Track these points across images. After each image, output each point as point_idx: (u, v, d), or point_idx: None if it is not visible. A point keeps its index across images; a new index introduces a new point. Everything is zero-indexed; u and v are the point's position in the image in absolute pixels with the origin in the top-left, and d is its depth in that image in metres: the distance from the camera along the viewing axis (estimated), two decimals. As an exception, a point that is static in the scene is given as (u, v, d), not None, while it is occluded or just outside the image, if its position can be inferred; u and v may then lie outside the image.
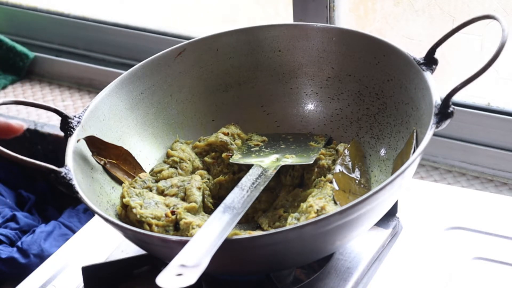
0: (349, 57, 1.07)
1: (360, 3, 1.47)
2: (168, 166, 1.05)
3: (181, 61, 1.11)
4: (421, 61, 0.98)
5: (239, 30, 1.12)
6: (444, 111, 0.90)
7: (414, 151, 0.94)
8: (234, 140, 1.08)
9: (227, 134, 1.08)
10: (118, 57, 1.79)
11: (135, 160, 1.04)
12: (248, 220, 1.02)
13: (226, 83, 1.13)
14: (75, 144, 0.97)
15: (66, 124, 0.98)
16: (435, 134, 0.90)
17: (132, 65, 1.09)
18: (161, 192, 1.00)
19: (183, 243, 0.80)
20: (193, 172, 1.05)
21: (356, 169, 1.02)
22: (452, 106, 0.90)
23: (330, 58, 1.09)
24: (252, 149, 1.07)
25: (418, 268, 1.01)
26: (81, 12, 1.83)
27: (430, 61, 0.97)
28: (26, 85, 1.84)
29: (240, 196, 0.92)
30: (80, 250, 1.10)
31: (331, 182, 0.98)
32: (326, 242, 0.87)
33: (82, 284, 1.00)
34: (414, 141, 0.96)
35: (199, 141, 1.09)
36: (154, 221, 0.94)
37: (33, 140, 1.65)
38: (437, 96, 0.92)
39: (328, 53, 1.09)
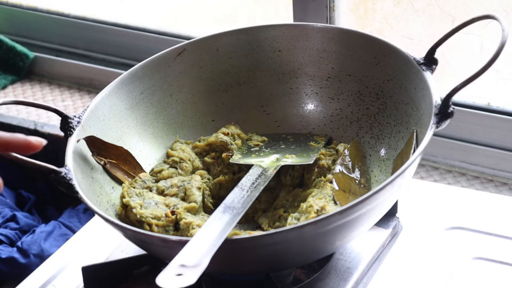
0: (349, 57, 1.07)
1: (360, 3, 1.47)
2: (168, 166, 1.05)
3: (181, 61, 1.11)
4: (421, 61, 0.98)
5: (239, 30, 1.12)
6: (444, 111, 0.90)
7: (414, 151, 0.94)
8: (234, 140, 1.08)
9: (227, 134, 1.08)
10: (118, 57, 1.79)
11: (135, 160, 1.04)
12: (248, 220, 1.02)
13: (226, 83, 1.13)
14: (75, 144, 0.97)
15: (66, 124, 0.98)
16: (435, 134, 0.90)
17: (132, 65, 1.09)
18: (161, 192, 1.00)
19: (183, 243, 0.80)
20: (193, 172, 1.05)
21: (356, 169, 1.02)
22: (452, 106, 0.90)
23: (330, 58, 1.09)
24: (252, 149, 1.07)
25: (418, 268, 1.01)
26: (81, 12, 1.83)
27: (430, 61, 0.97)
28: (26, 85, 1.84)
29: (240, 196, 0.92)
30: (80, 250, 1.10)
31: (331, 182, 0.98)
32: (326, 242, 0.87)
33: (82, 284, 1.00)
34: (414, 141, 0.96)
35: (199, 141, 1.09)
36: (154, 221, 0.94)
37: (33, 140, 1.65)
38: (437, 96, 0.92)
39: (328, 53, 1.09)
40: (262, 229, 0.98)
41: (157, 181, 1.03)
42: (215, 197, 1.04)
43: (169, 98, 1.10)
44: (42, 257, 1.42)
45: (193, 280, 0.74)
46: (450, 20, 1.37)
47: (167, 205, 0.97)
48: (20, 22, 1.89)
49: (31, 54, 1.84)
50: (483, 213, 1.09)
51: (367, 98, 1.06)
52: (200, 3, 1.73)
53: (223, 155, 1.06)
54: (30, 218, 1.54)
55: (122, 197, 0.97)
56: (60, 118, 0.99)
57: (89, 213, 1.54)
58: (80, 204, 1.57)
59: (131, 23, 1.77)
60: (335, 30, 1.09)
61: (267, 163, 1.02)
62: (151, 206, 0.97)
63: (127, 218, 0.96)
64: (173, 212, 0.95)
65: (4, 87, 1.82)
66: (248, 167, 1.02)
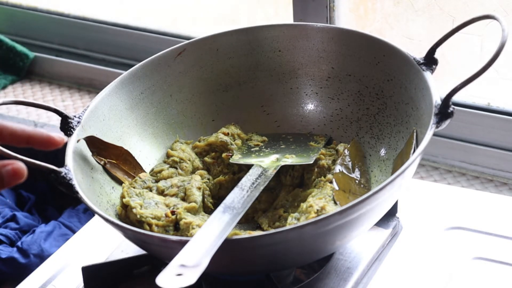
0: (349, 57, 1.07)
1: (360, 3, 1.47)
2: (168, 166, 1.05)
3: (181, 61, 1.11)
4: (421, 61, 0.98)
5: (239, 30, 1.12)
6: (444, 111, 0.90)
7: (414, 151, 0.94)
8: (234, 140, 1.08)
9: (227, 134, 1.08)
10: (118, 57, 1.79)
11: (135, 160, 1.04)
12: (248, 220, 1.02)
13: (226, 83, 1.13)
14: (75, 144, 0.97)
15: (66, 124, 0.98)
16: (435, 134, 0.90)
17: (132, 65, 1.09)
18: (161, 192, 1.00)
19: (183, 243, 0.80)
20: (193, 172, 1.05)
21: (356, 169, 1.02)
22: (452, 106, 0.90)
23: (330, 58, 1.09)
24: (252, 149, 1.07)
25: (418, 268, 1.01)
26: (81, 12, 1.83)
27: (430, 61, 0.97)
28: (26, 85, 1.84)
29: (240, 196, 0.92)
30: (80, 250, 1.10)
31: (331, 182, 0.98)
32: (326, 242, 0.87)
33: (82, 284, 1.00)
34: (414, 141, 0.96)
35: (199, 141, 1.09)
36: (154, 221, 0.94)
37: (33, 140, 1.65)
38: (437, 96, 0.92)
39: (328, 53, 1.09)
40: (262, 229, 0.98)
41: (157, 181, 1.03)
42: (215, 197, 1.04)
43: (169, 98, 1.10)
44: (42, 257, 1.42)
45: (193, 280, 0.74)
46: (450, 20, 1.37)
47: (167, 205, 0.97)
48: (20, 22, 1.89)
49: (31, 54, 1.84)
50: (483, 213, 1.09)
51: (367, 98, 1.06)
52: (200, 3, 1.73)
53: (223, 155, 1.06)
54: (30, 218, 1.54)
55: (122, 197, 0.97)
56: (60, 118, 0.98)
57: (89, 213, 1.54)
58: (80, 204, 1.57)
59: (131, 23, 1.77)
60: (335, 30, 1.09)
61: (267, 163, 1.02)
62: (151, 206, 0.97)
63: (127, 218, 0.96)
64: (173, 212, 0.95)
65: (4, 87, 1.82)
66: (248, 167, 1.02)
